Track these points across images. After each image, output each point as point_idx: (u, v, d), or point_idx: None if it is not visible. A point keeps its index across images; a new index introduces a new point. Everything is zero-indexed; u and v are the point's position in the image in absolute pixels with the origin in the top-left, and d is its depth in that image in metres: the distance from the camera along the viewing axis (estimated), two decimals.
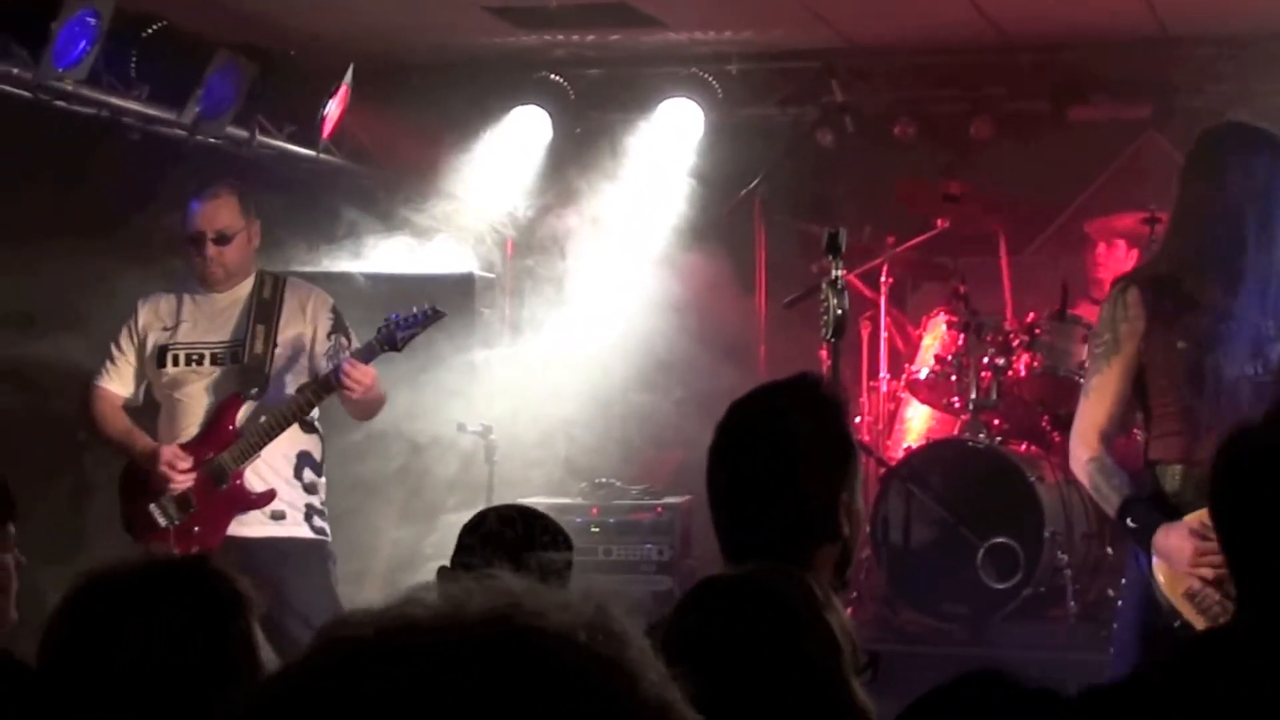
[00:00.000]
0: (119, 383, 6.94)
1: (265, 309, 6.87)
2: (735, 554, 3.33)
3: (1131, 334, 5.21)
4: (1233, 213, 5.19)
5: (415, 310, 6.69)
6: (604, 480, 9.31)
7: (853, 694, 2.77)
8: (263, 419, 6.68)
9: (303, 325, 6.90)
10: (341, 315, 6.98)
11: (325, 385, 6.60)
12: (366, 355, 6.57)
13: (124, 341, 6.96)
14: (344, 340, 6.84)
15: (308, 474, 6.84)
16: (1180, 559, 4.86)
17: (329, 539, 6.93)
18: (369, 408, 6.84)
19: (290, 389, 6.76)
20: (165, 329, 6.89)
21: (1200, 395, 5.20)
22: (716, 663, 2.61)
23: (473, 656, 1.18)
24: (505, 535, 4.35)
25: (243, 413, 6.76)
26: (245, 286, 6.92)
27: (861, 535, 8.43)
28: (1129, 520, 5.07)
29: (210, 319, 6.90)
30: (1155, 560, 4.96)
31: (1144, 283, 5.31)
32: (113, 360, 6.96)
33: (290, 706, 1.19)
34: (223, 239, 6.77)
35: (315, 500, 6.87)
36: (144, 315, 6.94)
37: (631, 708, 1.20)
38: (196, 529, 6.66)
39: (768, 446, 3.38)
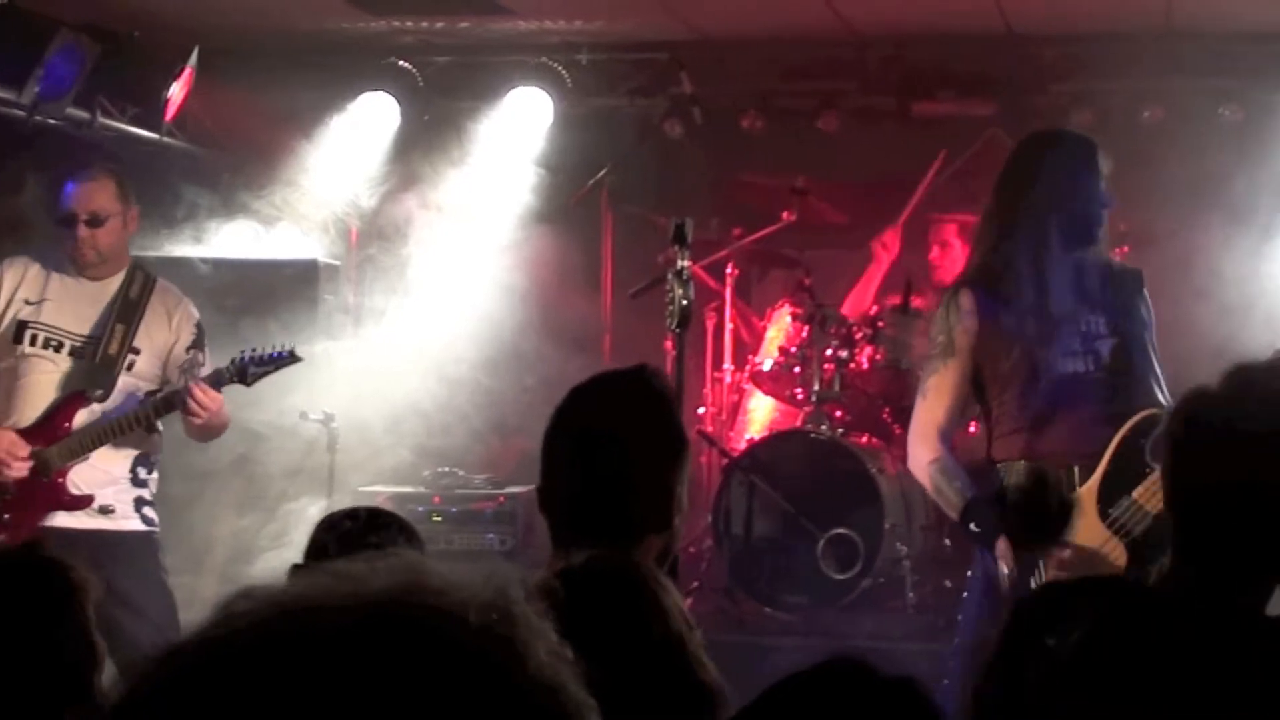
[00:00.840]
0: None
1: (129, 309, 6.75)
2: (565, 541, 3.32)
3: (965, 335, 5.31)
4: (1038, 216, 5.32)
5: (272, 350, 6.62)
6: (447, 469, 9.27)
7: (707, 672, 2.80)
8: (99, 424, 6.57)
9: (166, 333, 6.79)
10: (204, 332, 6.90)
11: (168, 403, 6.51)
12: (215, 382, 6.48)
13: None
14: (200, 357, 6.75)
15: (142, 472, 6.75)
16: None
17: (158, 529, 6.84)
18: (209, 432, 6.76)
19: (138, 395, 6.66)
20: (29, 303, 6.73)
21: (1035, 393, 5.29)
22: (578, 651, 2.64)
23: (369, 635, 1.18)
24: (368, 540, 4.30)
25: (82, 413, 6.64)
26: (116, 280, 6.79)
27: (703, 525, 8.49)
28: (971, 525, 5.13)
29: (75, 304, 6.76)
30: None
31: (975, 284, 5.41)
32: None
33: (189, 687, 1.17)
34: (95, 221, 6.65)
35: (145, 493, 6.77)
36: (9, 278, 6.77)
37: (522, 686, 1.20)
38: (6, 516, 6.53)
39: (600, 437, 3.39)
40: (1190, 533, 3.09)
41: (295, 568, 4.29)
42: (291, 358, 6.63)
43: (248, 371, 6.54)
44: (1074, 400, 5.31)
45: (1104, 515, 5.15)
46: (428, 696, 1.16)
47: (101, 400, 6.63)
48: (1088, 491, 5.19)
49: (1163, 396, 5.35)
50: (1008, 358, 5.31)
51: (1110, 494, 5.18)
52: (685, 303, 5.42)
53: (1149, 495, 5.07)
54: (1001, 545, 5.01)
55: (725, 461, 8.70)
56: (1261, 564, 3.05)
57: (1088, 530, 5.19)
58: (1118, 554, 5.16)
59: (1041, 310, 5.32)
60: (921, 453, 5.36)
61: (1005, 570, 4.97)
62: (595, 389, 3.52)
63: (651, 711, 2.52)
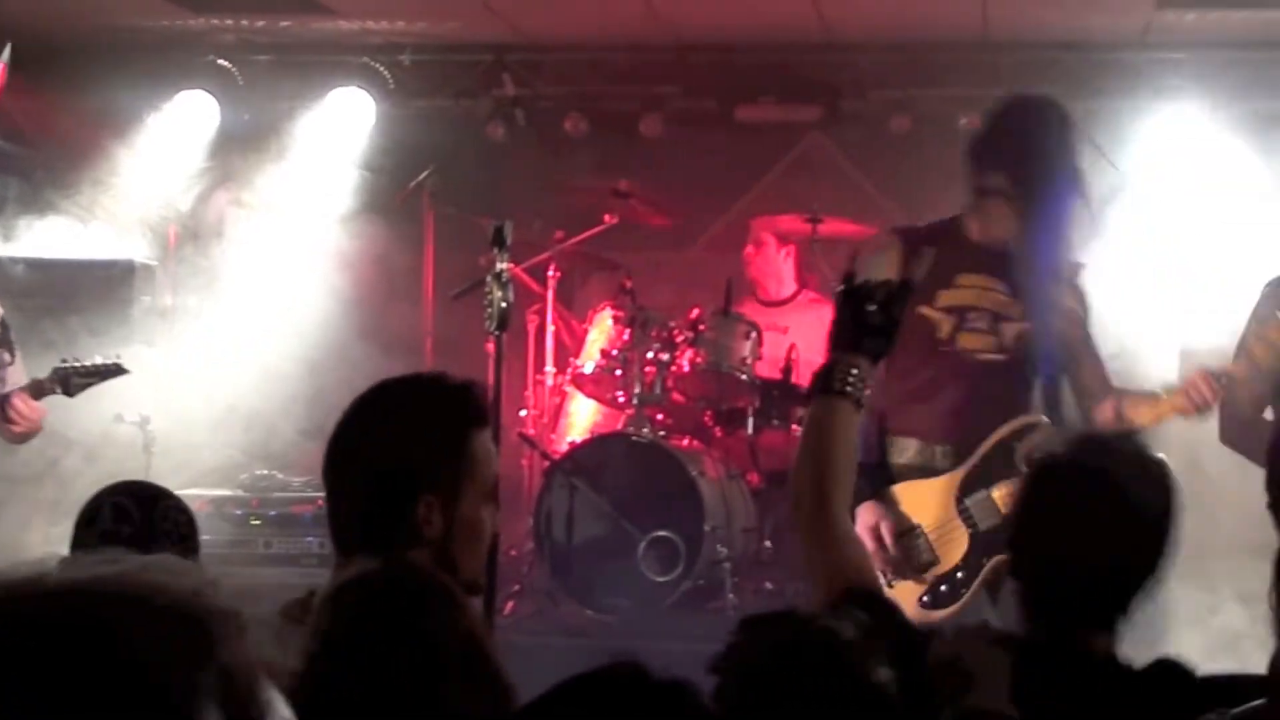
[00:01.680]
0: None
1: None
2: (342, 548, 3.29)
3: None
4: (1006, 189, 5.27)
5: (98, 361, 6.51)
6: (266, 472, 9.17)
7: (499, 672, 2.79)
8: None
9: None
10: (9, 329, 6.76)
11: None
12: (36, 392, 6.37)
13: None
14: (7, 357, 6.63)
15: None
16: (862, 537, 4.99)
17: None
18: (26, 437, 6.64)
19: None
20: None
21: (924, 364, 5.31)
22: (370, 656, 2.65)
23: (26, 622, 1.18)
24: (121, 532, 4.20)
25: None
26: None
27: (525, 528, 8.45)
28: None
29: None
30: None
31: (910, 237, 5.39)
32: None
33: None
34: None
35: None
36: None
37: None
38: None
39: (360, 443, 3.34)
40: (1035, 592, 3.16)
41: (63, 560, 4.20)
42: (117, 370, 6.52)
43: (70, 382, 6.45)
44: (974, 382, 5.32)
45: (959, 501, 5.24)
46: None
47: None
48: (952, 477, 5.29)
49: (1066, 396, 5.36)
50: (917, 327, 5.25)
51: (971, 485, 5.26)
52: (505, 305, 5.42)
53: (1005, 497, 5.15)
54: (860, 511, 5.10)
55: (546, 464, 8.69)
56: (1101, 617, 3.13)
57: (938, 508, 5.27)
58: (960, 538, 5.25)
59: (971, 286, 5.34)
60: None
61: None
62: (374, 396, 3.43)
63: (444, 713, 2.52)
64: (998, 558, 5.06)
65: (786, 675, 2.44)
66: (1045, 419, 5.25)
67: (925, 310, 5.29)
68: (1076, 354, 5.40)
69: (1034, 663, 2.93)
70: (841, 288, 3.48)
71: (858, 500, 5.04)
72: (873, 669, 2.47)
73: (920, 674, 2.65)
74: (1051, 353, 5.33)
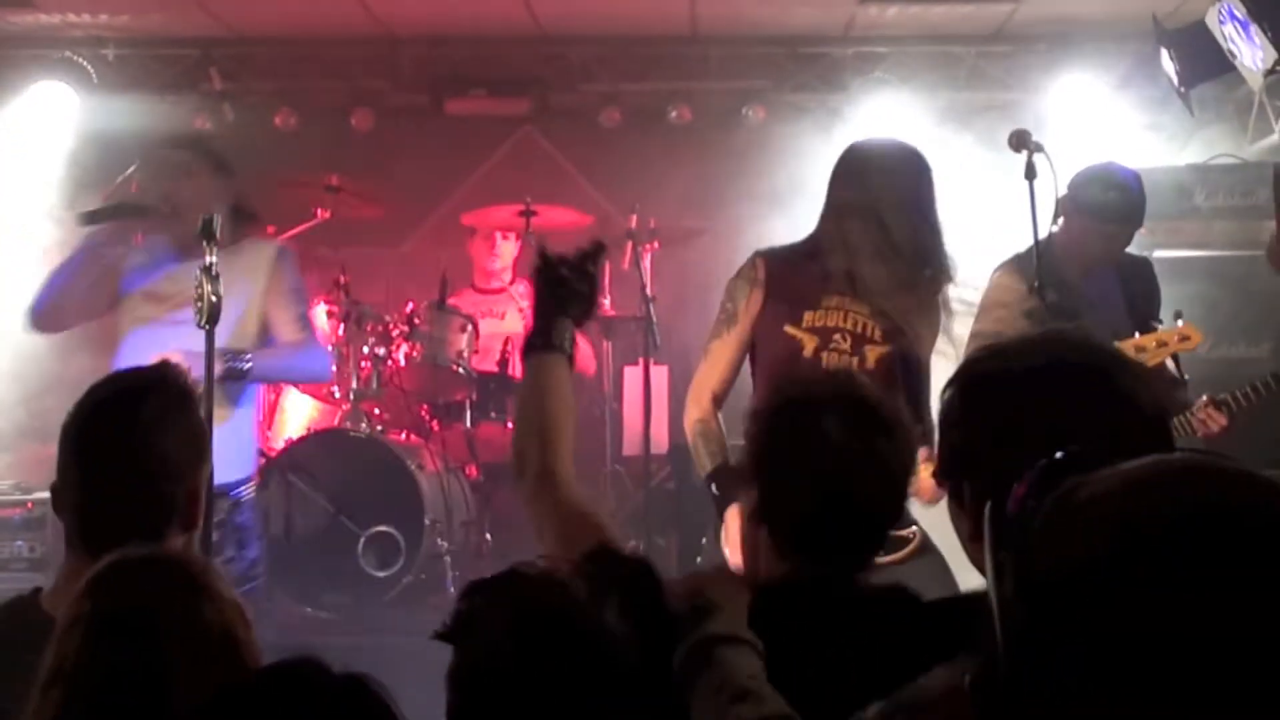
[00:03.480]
0: None
1: None
2: (90, 543, 3.26)
3: (749, 309, 5.39)
4: (866, 213, 5.32)
5: None
6: None
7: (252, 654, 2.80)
8: None
9: None
10: None
11: None
12: None
13: None
14: None
15: None
16: (732, 537, 5.01)
17: None
18: None
19: None
20: None
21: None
22: (141, 639, 2.65)
23: None
24: None
25: None
26: None
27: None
28: (713, 487, 5.24)
29: None
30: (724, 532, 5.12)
31: (774, 258, 5.46)
32: None
33: None
34: None
35: None
36: None
37: None
38: None
39: (122, 435, 3.35)
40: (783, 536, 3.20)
41: None
42: None
43: None
44: None
45: None
46: None
47: None
48: None
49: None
50: (779, 338, 5.37)
51: None
52: (215, 299, 5.35)
53: None
54: (729, 516, 5.11)
55: (262, 462, 8.59)
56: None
57: None
58: None
59: (836, 304, 5.40)
60: (692, 410, 5.47)
61: (726, 548, 5.06)
62: (114, 387, 3.47)
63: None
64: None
65: (516, 633, 2.47)
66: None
67: (791, 329, 5.38)
68: (913, 380, 5.46)
69: (772, 594, 2.99)
70: (539, 259, 3.55)
71: (726, 503, 5.10)
72: (601, 614, 2.50)
73: (659, 617, 2.68)
74: (910, 372, 5.42)
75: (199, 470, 3.43)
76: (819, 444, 3.14)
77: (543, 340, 3.45)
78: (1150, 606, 1.50)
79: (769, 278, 5.42)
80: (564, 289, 3.49)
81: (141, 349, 6.20)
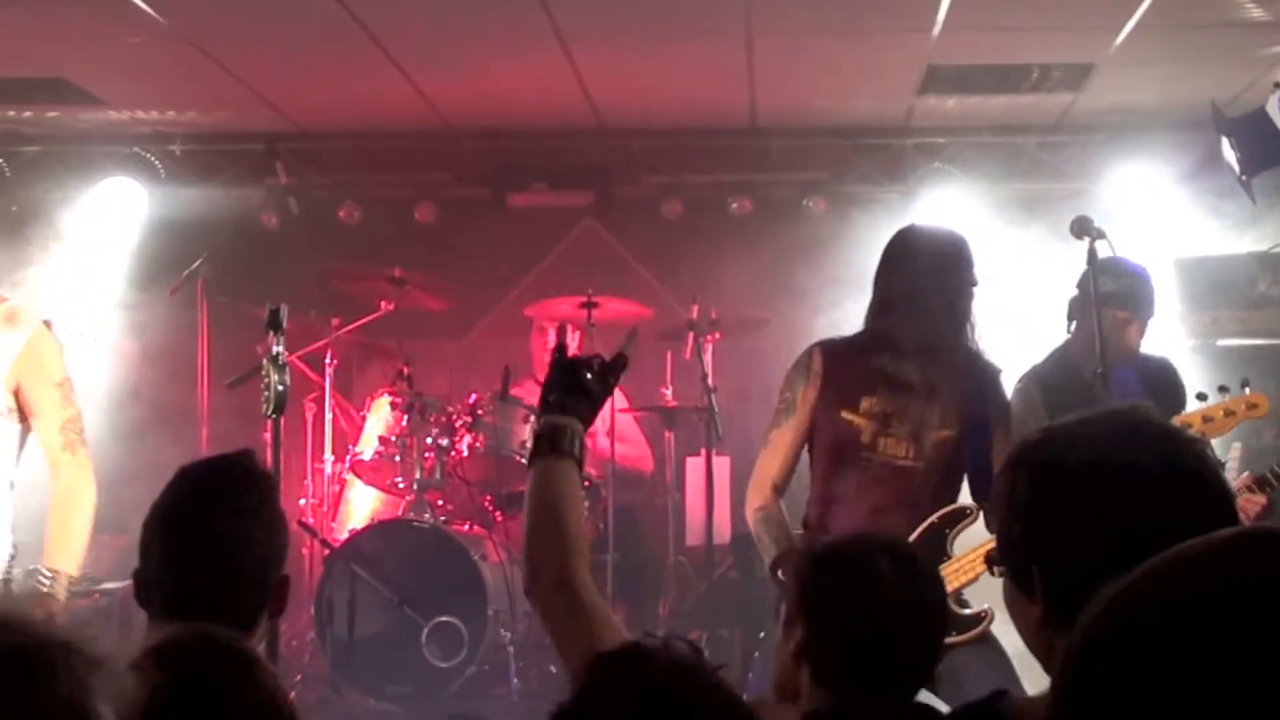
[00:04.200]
0: None
1: None
2: (177, 616, 3.27)
3: (806, 397, 5.41)
4: (906, 303, 5.35)
5: None
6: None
7: None
8: None
9: None
10: None
11: None
12: None
13: None
14: None
15: None
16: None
17: None
18: None
19: None
20: None
21: (846, 468, 5.40)
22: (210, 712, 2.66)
23: None
24: None
25: None
26: None
27: (305, 618, 8.37)
28: (778, 574, 5.25)
29: None
30: None
31: (830, 349, 5.49)
32: None
33: None
34: None
35: None
36: None
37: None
38: None
39: (210, 522, 3.35)
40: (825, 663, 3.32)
41: None
42: None
43: None
44: (881, 484, 5.40)
45: None
46: None
47: None
48: None
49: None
50: (835, 426, 5.40)
51: None
52: (281, 388, 5.38)
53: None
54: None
55: (326, 552, 8.62)
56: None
57: None
58: None
59: (897, 393, 5.42)
60: (753, 499, 5.49)
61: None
62: (206, 473, 3.46)
63: None
64: None
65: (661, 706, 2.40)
66: (974, 505, 5.35)
67: (848, 415, 5.40)
68: (979, 461, 5.47)
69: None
70: (556, 355, 3.53)
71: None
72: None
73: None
74: (975, 456, 5.41)
75: (285, 557, 3.46)
76: (873, 583, 3.29)
77: (552, 445, 3.34)
78: (1198, 676, 1.50)
79: (825, 368, 5.45)
80: (581, 393, 3.43)
81: None
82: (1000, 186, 10.08)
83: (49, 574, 5.40)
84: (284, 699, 2.82)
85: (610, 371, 3.47)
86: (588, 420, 3.42)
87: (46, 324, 5.61)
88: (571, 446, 3.34)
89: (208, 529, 3.33)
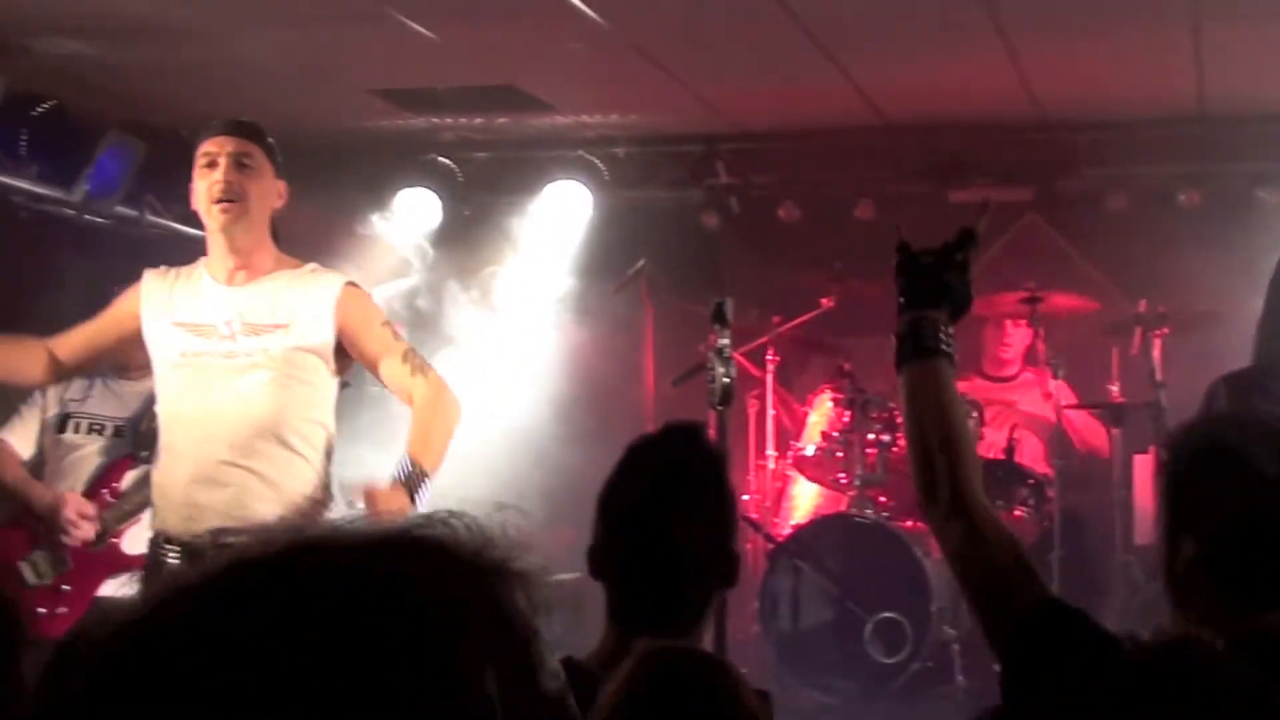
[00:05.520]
0: (20, 438, 6.85)
1: None
2: (627, 617, 3.25)
3: None
4: None
5: None
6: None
7: None
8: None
9: None
10: None
11: None
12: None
13: (32, 401, 6.89)
14: None
15: None
16: None
17: None
18: None
19: None
20: (74, 399, 6.81)
21: None
22: None
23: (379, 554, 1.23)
24: None
25: (131, 474, 6.67)
26: None
27: (749, 611, 8.47)
28: None
29: (120, 399, 6.85)
30: None
31: (1230, 383, 5.38)
32: (20, 416, 6.89)
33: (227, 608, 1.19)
34: None
35: None
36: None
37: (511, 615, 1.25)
38: (66, 588, 6.53)
39: (697, 497, 3.26)
40: None
41: None
42: None
43: None
44: None
45: None
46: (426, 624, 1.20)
47: (148, 461, 6.41)
48: None
49: None
50: None
51: None
52: (727, 380, 5.45)
53: None
54: None
55: (770, 547, 8.70)
56: None
57: None
58: None
59: None
60: None
61: None
62: (657, 457, 3.36)
63: None
64: None
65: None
66: None
67: None
68: None
69: None
70: (898, 251, 3.31)
71: None
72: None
73: None
74: None
75: (734, 532, 3.38)
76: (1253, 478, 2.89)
77: (915, 344, 3.13)
78: None
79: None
80: (931, 283, 3.22)
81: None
82: None
83: (411, 463, 5.32)
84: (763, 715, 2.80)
85: (956, 249, 3.29)
86: (956, 311, 3.25)
87: (351, 283, 5.62)
88: (936, 341, 3.15)
89: (658, 503, 3.26)
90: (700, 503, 3.27)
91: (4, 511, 6.84)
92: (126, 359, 6.55)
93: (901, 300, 3.22)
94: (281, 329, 5.41)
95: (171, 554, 5.30)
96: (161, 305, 5.54)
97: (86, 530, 6.51)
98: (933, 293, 3.21)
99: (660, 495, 3.25)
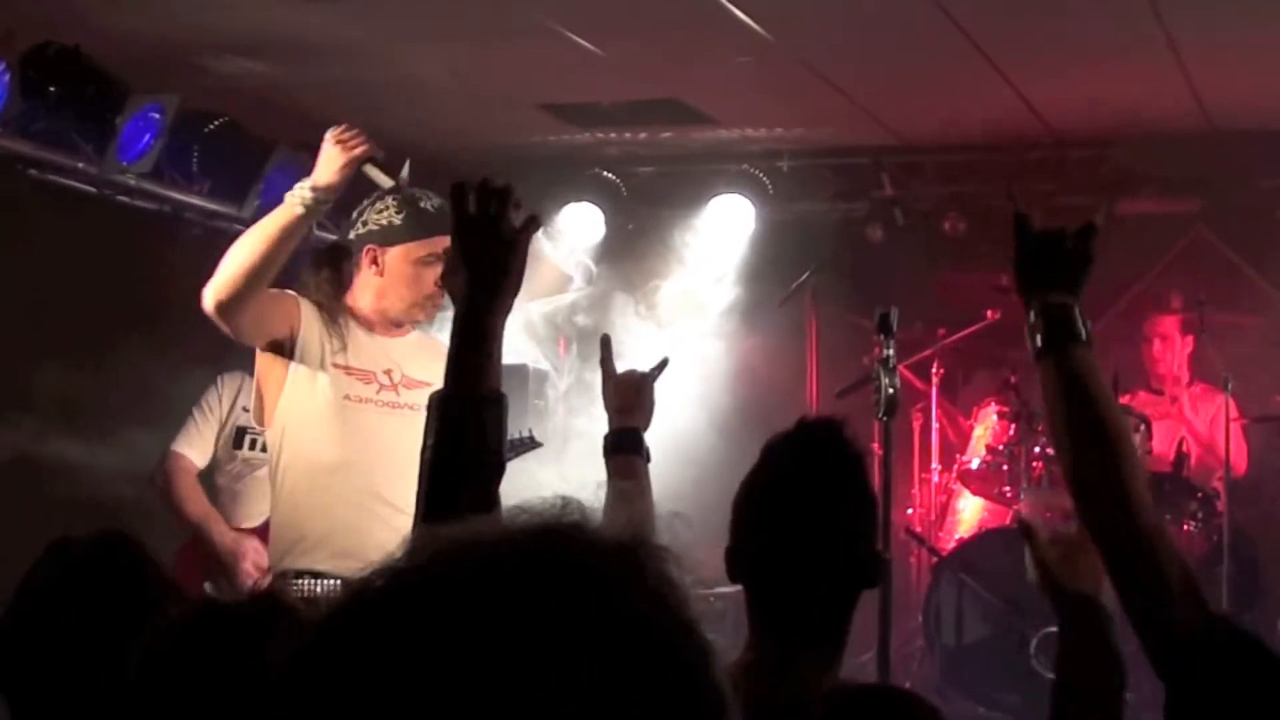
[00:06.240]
0: (198, 451, 6.93)
1: None
2: (775, 630, 3.16)
3: None
4: None
5: (514, 436, 6.57)
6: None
7: None
8: None
9: None
10: None
11: None
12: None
13: (207, 409, 6.97)
14: None
15: None
16: None
17: None
18: None
19: None
20: (248, 411, 6.89)
21: None
22: None
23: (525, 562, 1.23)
24: None
25: None
26: None
27: (914, 625, 8.44)
28: None
29: None
30: None
31: None
32: (196, 426, 6.97)
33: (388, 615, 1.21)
34: None
35: None
36: (228, 391, 6.95)
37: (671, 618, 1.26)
38: None
39: (835, 493, 3.15)
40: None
41: None
42: (532, 443, 6.48)
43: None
44: None
45: None
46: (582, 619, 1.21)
47: None
48: None
49: None
50: None
51: None
52: (892, 391, 5.44)
53: None
54: None
55: (935, 561, 8.67)
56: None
57: None
58: None
59: None
60: None
61: None
62: (797, 455, 3.20)
63: None
64: None
65: None
66: None
67: None
68: None
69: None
70: (1017, 228, 3.22)
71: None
72: None
73: None
74: None
75: (874, 533, 3.27)
76: None
77: (1064, 331, 3.00)
78: None
79: None
80: (1061, 262, 3.13)
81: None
82: None
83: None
84: None
85: (1086, 238, 3.22)
86: (1078, 294, 3.11)
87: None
88: (1081, 328, 3.02)
89: (794, 501, 3.14)
90: (838, 500, 3.15)
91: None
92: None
93: (1030, 282, 3.14)
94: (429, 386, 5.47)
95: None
96: (316, 339, 5.44)
97: (262, 582, 6.55)
98: (1064, 277, 3.12)
99: (796, 492, 3.15)
